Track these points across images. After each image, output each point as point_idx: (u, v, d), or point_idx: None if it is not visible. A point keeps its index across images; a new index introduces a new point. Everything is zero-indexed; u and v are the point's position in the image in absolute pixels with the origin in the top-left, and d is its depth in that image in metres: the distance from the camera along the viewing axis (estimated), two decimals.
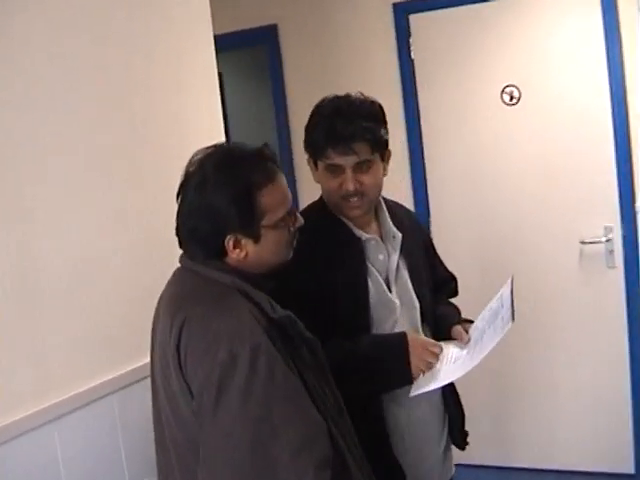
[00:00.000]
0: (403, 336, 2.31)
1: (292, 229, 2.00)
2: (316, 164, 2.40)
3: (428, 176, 4.52)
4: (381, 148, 2.37)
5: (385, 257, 2.46)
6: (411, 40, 4.43)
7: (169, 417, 1.88)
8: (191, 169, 1.92)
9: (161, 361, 1.90)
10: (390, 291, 2.45)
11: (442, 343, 2.38)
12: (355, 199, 2.35)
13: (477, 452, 4.01)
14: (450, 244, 4.40)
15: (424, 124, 4.49)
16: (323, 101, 2.41)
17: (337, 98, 2.39)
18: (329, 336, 2.26)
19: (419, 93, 4.47)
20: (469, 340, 2.38)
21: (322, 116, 2.35)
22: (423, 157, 4.51)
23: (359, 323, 2.38)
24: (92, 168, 2.47)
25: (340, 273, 2.37)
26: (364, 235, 2.43)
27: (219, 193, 1.85)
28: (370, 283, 2.40)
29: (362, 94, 2.41)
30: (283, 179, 1.97)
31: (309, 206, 2.55)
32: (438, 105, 4.44)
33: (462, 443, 2.68)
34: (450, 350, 2.37)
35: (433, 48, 4.40)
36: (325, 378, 2.00)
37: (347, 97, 2.38)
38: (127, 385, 2.52)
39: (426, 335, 2.50)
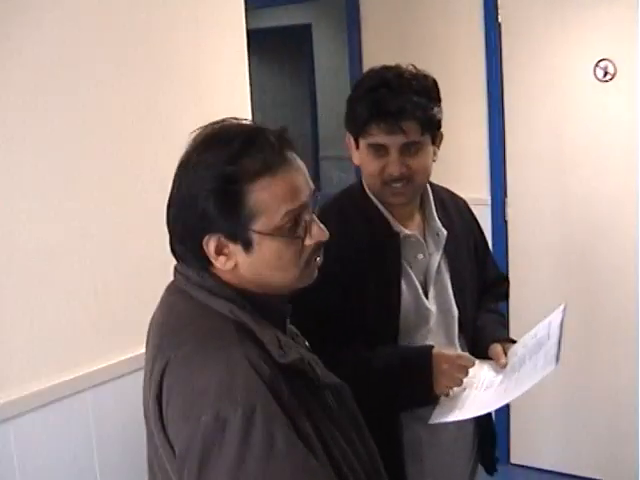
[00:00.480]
0: (428, 349, 2.05)
1: (308, 242, 1.55)
2: (357, 142, 2.15)
3: (508, 156, 4.12)
4: (432, 129, 2.12)
5: (425, 257, 2.20)
6: (499, 2, 4.00)
7: (156, 469, 1.55)
8: (188, 146, 1.57)
9: (144, 403, 1.58)
10: (426, 296, 2.18)
11: (476, 361, 2.08)
12: (399, 185, 2.10)
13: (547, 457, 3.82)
14: (527, 235, 4.07)
15: (507, 97, 4.08)
16: (369, 72, 2.17)
17: (385, 69, 2.13)
18: (349, 342, 2.05)
19: (504, 63, 4.05)
20: (506, 365, 2.10)
21: (367, 88, 2.10)
22: (504, 135, 4.10)
23: (386, 330, 2.13)
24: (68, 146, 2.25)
25: (371, 271, 2.11)
26: (403, 231, 2.16)
27: (199, 177, 1.48)
28: (404, 286, 2.15)
29: (415, 67, 2.15)
30: (294, 173, 1.53)
31: (346, 190, 2.30)
32: (523, 78, 4.02)
33: (492, 467, 2.42)
34: (484, 372, 2.11)
35: (523, 13, 3.96)
36: (357, 429, 1.65)
37: (397, 68, 2.13)
38: (99, 384, 2.29)
39: (462, 349, 2.23)
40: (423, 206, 2.25)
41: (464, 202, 2.48)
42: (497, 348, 2.16)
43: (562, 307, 2.08)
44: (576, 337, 3.75)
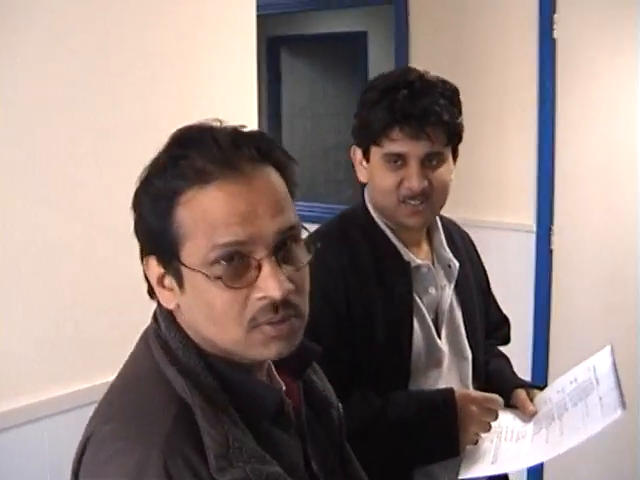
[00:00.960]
0: (450, 393, 1.83)
1: (256, 295, 1.15)
2: (367, 155, 1.92)
3: (557, 181, 3.84)
4: (455, 140, 1.90)
5: (437, 291, 1.96)
6: (555, 17, 3.73)
7: None
8: None
9: None
10: (439, 336, 1.96)
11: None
12: (418, 202, 1.85)
13: None
14: (573, 266, 3.81)
15: (559, 118, 3.79)
16: (381, 75, 1.93)
17: (403, 72, 1.92)
18: (354, 387, 1.82)
19: (558, 79, 3.78)
20: (535, 413, 1.89)
21: (383, 89, 1.86)
22: (553, 158, 3.82)
23: (395, 373, 1.91)
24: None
25: (380, 306, 1.88)
26: (415, 260, 1.93)
27: (145, 183, 1.20)
28: (416, 324, 1.91)
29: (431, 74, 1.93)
30: (245, 187, 1.15)
31: (347, 212, 2.06)
32: (578, 97, 3.75)
33: None
34: (509, 421, 1.90)
35: (580, 28, 3.69)
36: None
37: (417, 71, 1.91)
38: (59, 412, 2.10)
39: None
40: (430, 234, 2.01)
41: (468, 235, 2.24)
42: (522, 394, 1.96)
43: (609, 349, 1.88)
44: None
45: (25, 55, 2.04)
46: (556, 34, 3.75)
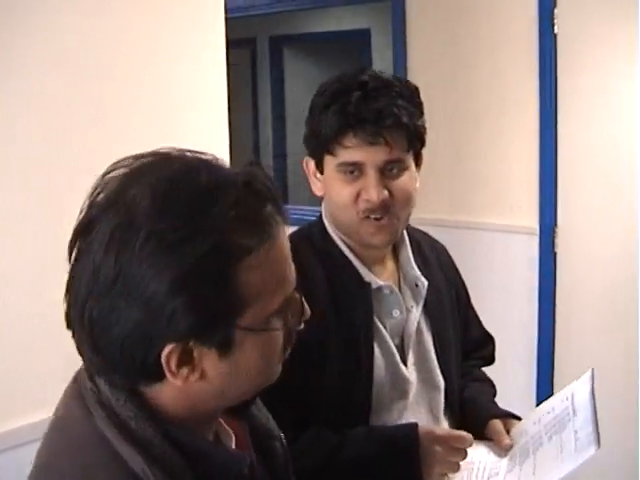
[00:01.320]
0: (412, 429, 1.67)
1: (294, 327, 1.13)
2: (321, 165, 1.73)
3: (560, 181, 3.71)
4: (417, 144, 1.70)
5: (402, 314, 1.80)
6: (556, 12, 3.60)
7: None
8: (100, 198, 1.02)
9: None
10: (405, 363, 1.79)
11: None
12: (379, 216, 1.68)
13: None
14: (578, 269, 3.66)
15: (561, 116, 3.67)
16: (335, 77, 1.72)
17: (356, 72, 1.71)
18: (309, 423, 1.67)
19: (559, 76, 3.65)
20: (510, 447, 1.72)
21: (334, 92, 1.66)
22: (556, 157, 3.69)
23: (355, 407, 1.74)
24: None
25: (334, 333, 1.71)
26: (376, 281, 1.76)
27: (157, 260, 0.97)
28: (377, 350, 1.75)
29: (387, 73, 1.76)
30: (283, 236, 1.08)
31: (303, 228, 1.87)
32: (580, 94, 3.61)
33: None
34: (482, 456, 1.73)
35: (582, 23, 3.56)
36: None
37: (370, 70, 1.72)
38: None
39: (449, 427, 1.86)
40: (397, 251, 1.84)
41: (443, 247, 2.05)
42: (497, 426, 1.78)
43: (589, 374, 1.71)
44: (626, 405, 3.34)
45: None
46: (557, 29, 3.62)
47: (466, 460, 1.67)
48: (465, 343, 2.01)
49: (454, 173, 3.87)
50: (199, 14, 2.45)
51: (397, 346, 1.80)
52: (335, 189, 1.70)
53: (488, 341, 2.11)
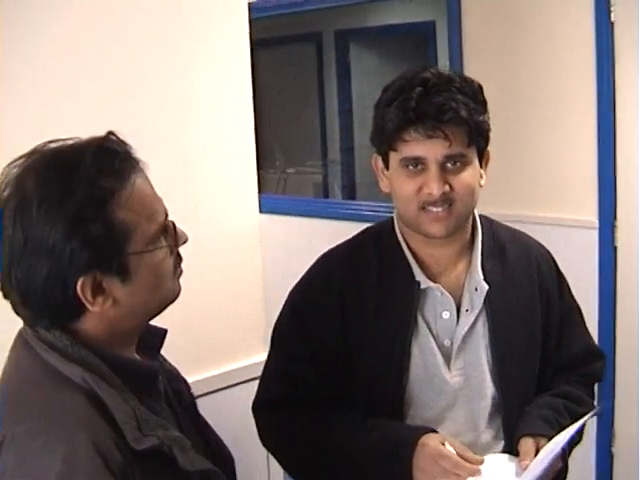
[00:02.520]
0: (414, 439, 1.68)
1: (175, 248, 1.42)
2: (387, 162, 1.78)
3: (619, 174, 3.62)
4: (480, 140, 1.73)
5: (452, 316, 1.79)
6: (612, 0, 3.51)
7: None
8: (5, 192, 1.31)
9: None
10: (448, 366, 1.79)
11: (494, 456, 1.74)
12: (440, 209, 1.70)
13: None
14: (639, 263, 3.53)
15: (619, 106, 3.58)
16: (400, 75, 1.77)
17: (420, 69, 1.74)
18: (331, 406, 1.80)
19: (616, 65, 3.55)
20: (526, 468, 1.68)
21: (397, 89, 1.71)
22: (615, 149, 3.61)
23: (385, 401, 1.79)
24: None
25: (373, 326, 1.78)
26: (425, 281, 1.78)
27: (50, 217, 1.26)
28: (416, 348, 1.78)
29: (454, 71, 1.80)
30: (145, 179, 1.38)
31: (370, 228, 1.95)
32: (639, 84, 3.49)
33: None
34: (497, 470, 1.70)
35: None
36: None
37: (434, 68, 1.76)
38: None
39: (495, 440, 1.83)
40: (471, 251, 1.85)
41: (546, 255, 1.99)
42: (525, 445, 1.75)
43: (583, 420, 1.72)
44: None
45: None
46: (614, 17, 3.52)
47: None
48: (562, 358, 1.95)
49: (512, 167, 3.80)
50: (223, 15, 2.45)
51: (445, 347, 1.80)
52: (398, 183, 1.75)
53: (593, 358, 2.04)
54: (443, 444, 1.67)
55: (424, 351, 1.79)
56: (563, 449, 1.72)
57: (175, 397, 1.55)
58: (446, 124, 1.65)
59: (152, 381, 1.45)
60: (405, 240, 1.84)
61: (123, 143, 1.38)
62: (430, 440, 1.68)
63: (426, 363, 1.79)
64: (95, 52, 2.16)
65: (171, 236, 1.40)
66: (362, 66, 6.60)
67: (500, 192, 3.77)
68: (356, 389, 1.81)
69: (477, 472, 1.64)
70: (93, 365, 1.31)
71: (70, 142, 1.35)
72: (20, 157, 1.33)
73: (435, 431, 1.72)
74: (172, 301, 1.44)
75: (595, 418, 3.54)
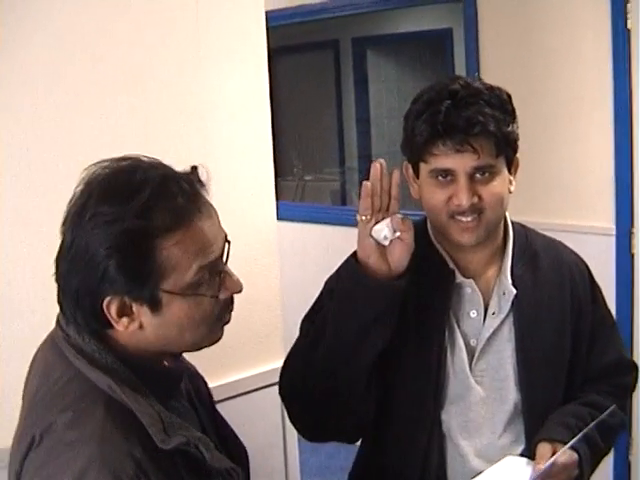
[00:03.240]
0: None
1: (221, 296, 1.41)
2: (417, 171, 1.80)
3: (636, 180, 3.61)
4: (508, 150, 1.75)
5: (479, 316, 1.82)
6: (628, 6, 3.51)
7: None
8: (77, 189, 1.37)
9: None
10: (470, 367, 1.81)
11: (512, 459, 1.77)
12: (470, 218, 1.72)
13: None
14: None
15: (636, 113, 3.56)
16: (429, 85, 1.79)
17: (449, 81, 1.76)
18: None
19: (633, 72, 3.55)
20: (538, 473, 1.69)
21: (426, 101, 1.73)
22: (632, 155, 3.60)
23: (428, 397, 1.82)
24: None
25: (412, 324, 1.80)
26: (459, 276, 1.81)
27: (98, 232, 1.30)
28: (448, 344, 1.81)
29: (482, 81, 1.80)
30: (207, 222, 1.38)
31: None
32: None
33: None
34: (513, 472, 1.73)
35: None
36: None
37: (463, 79, 1.77)
38: None
39: (513, 445, 1.84)
40: (503, 255, 1.87)
41: (580, 263, 2.01)
42: (542, 449, 1.76)
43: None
44: None
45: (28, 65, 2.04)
46: (630, 24, 3.52)
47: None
48: (593, 368, 1.95)
49: (528, 174, 3.74)
50: (240, 22, 2.47)
51: (471, 347, 1.83)
52: (429, 193, 1.77)
53: (625, 370, 2.04)
54: None
55: (453, 347, 1.81)
56: (578, 454, 1.73)
57: (196, 396, 1.61)
58: (474, 137, 1.67)
59: (177, 385, 1.50)
60: (438, 241, 1.87)
61: (197, 182, 1.40)
62: None
63: (455, 359, 1.81)
64: (111, 60, 2.18)
65: (216, 284, 1.40)
66: (379, 73, 6.62)
67: (516, 199, 3.70)
68: (393, 383, 1.83)
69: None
70: (118, 372, 1.36)
71: (148, 164, 1.39)
72: (109, 160, 1.39)
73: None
74: (207, 346, 1.46)
75: None
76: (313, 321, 1.84)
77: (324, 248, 4.43)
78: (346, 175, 6.76)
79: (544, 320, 1.86)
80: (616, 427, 1.96)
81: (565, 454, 1.73)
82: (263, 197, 2.57)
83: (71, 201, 1.37)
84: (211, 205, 1.42)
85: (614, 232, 3.67)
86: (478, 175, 1.72)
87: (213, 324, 1.43)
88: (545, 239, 1.98)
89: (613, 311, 3.52)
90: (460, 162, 1.69)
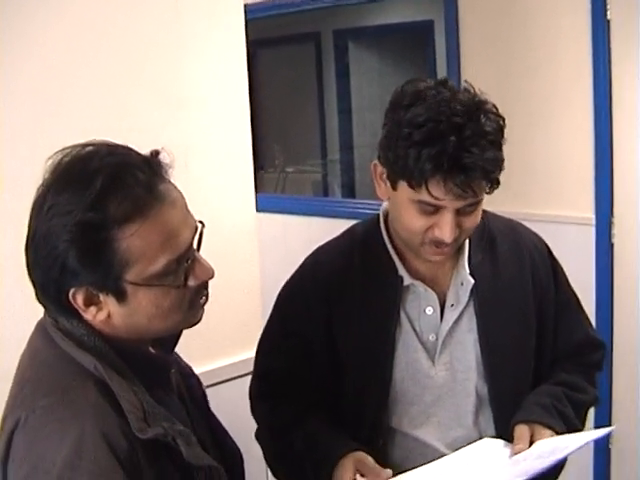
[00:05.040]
0: (337, 456, 1.69)
1: (192, 284, 1.38)
2: (395, 185, 1.69)
3: (615, 170, 3.62)
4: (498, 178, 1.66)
5: (436, 312, 1.80)
6: None
7: None
8: (45, 176, 1.34)
9: None
10: (433, 361, 1.80)
11: (489, 441, 1.76)
12: (448, 248, 1.70)
13: None
14: (636, 260, 3.56)
15: (616, 103, 3.58)
16: (426, 103, 1.62)
17: (448, 101, 1.62)
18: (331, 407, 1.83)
19: (613, 63, 3.56)
20: (519, 452, 1.68)
21: (430, 134, 1.59)
22: (612, 145, 3.61)
23: (369, 399, 1.80)
24: None
25: (357, 322, 1.80)
26: (407, 278, 1.78)
27: (55, 225, 1.28)
28: (400, 346, 1.79)
29: (472, 87, 1.68)
30: (170, 210, 1.33)
31: (355, 227, 1.95)
32: (636, 80, 3.49)
33: None
34: (489, 455, 1.71)
35: (636, 8, 3.43)
36: None
37: (462, 103, 1.62)
38: None
39: (482, 435, 1.82)
40: (460, 246, 1.81)
41: (539, 244, 1.97)
42: (519, 431, 1.73)
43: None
44: None
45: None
46: (610, 15, 3.52)
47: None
48: (561, 347, 1.94)
49: (508, 164, 3.75)
50: (219, 14, 2.47)
51: (431, 342, 1.81)
52: (407, 216, 1.69)
53: (593, 347, 2.03)
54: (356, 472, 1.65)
55: (407, 348, 1.80)
56: (556, 432, 1.74)
57: (187, 393, 1.59)
58: (475, 181, 1.60)
59: (164, 374, 1.48)
60: (390, 238, 1.84)
61: (158, 168, 1.36)
62: (344, 464, 1.67)
63: (408, 359, 1.80)
64: (90, 49, 2.18)
65: (185, 272, 1.37)
66: (361, 65, 6.60)
67: (499, 190, 3.79)
68: (343, 386, 1.83)
69: None
70: (106, 355, 1.35)
71: (107, 150, 1.34)
72: (72, 146, 1.35)
73: (360, 449, 1.71)
74: (185, 328, 1.46)
75: (592, 415, 3.56)
76: (265, 372, 1.91)
77: (306, 239, 4.44)
78: (328, 167, 6.75)
79: (506, 306, 1.84)
80: (589, 403, 1.96)
81: (544, 435, 1.72)
82: (242, 188, 2.57)
83: (38, 189, 1.34)
84: (175, 191, 1.37)
85: (594, 222, 3.68)
86: (463, 209, 1.66)
87: (186, 311, 1.40)
88: (503, 222, 1.95)
89: (593, 300, 3.61)
90: (453, 202, 1.62)
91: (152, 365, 1.45)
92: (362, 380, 1.80)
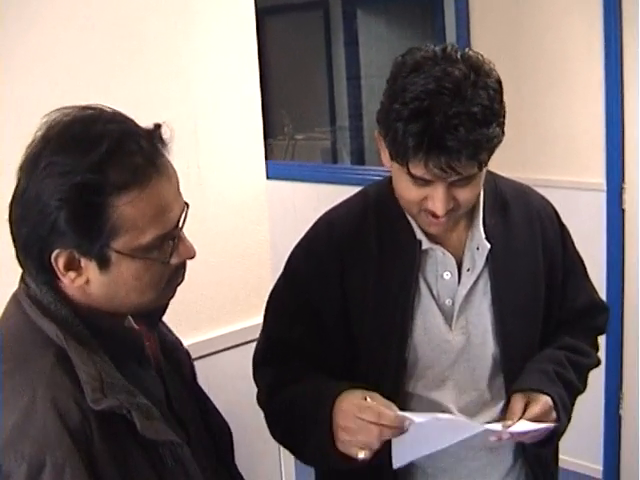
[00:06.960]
0: (332, 397, 1.65)
1: (172, 262, 1.38)
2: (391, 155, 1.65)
3: (627, 136, 3.60)
4: (491, 153, 1.61)
5: (453, 276, 1.77)
6: None
7: None
8: (38, 134, 1.32)
9: None
10: (450, 325, 1.78)
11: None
12: (443, 219, 1.65)
13: None
14: None
15: (627, 67, 3.55)
16: (421, 66, 1.57)
17: (442, 80, 1.54)
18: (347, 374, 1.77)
19: (624, 26, 3.52)
20: (509, 426, 1.67)
21: (417, 111, 1.53)
22: (622, 112, 3.59)
23: (387, 364, 1.77)
24: None
25: (375, 286, 1.76)
26: (426, 242, 1.75)
27: (52, 182, 1.26)
28: (418, 312, 1.76)
29: (475, 55, 1.61)
30: (166, 185, 1.34)
31: (368, 190, 1.90)
32: None
33: None
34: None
35: None
36: None
37: (453, 79, 1.54)
38: None
39: (496, 398, 1.82)
40: (473, 209, 1.78)
41: (549, 208, 1.94)
42: (514, 402, 1.73)
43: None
44: None
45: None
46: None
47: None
48: (566, 311, 1.93)
49: (519, 130, 3.79)
50: None
51: (447, 307, 1.79)
52: (402, 185, 1.67)
53: (597, 311, 2.02)
54: (365, 399, 1.62)
55: (425, 313, 1.77)
56: (552, 398, 1.75)
57: (173, 367, 1.58)
58: (461, 162, 1.54)
59: (137, 348, 1.45)
60: None
61: (159, 141, 1.35)
62: (348, 395, 1.65)
63: (427, 325, 1.78)
64: (98, 25, 2.16)
65: (169, 249, 1.37)
66: (369, 33, 6.57)
67: (506, 155, 3.68)
68: (358, 354, 1.80)
69: (402, 422, 1.57)
70: (71, 324, 1.34)
71: (110, 116, 1.34)
72: (72, 107, 1.33)
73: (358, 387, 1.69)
74: (155, 307, 1.45)
75: (603, 381, 3.57)
76: (275, 338, 1.86)
77: (315, 206, 4.43)
78: (337, 134, 6.74)
79: (518, 271, 1.82)
80: (591, 366, 1.96)
81: (538, 403, 1.72)
82: (252, 155, 2.56)
83: (30, 145, 1.32)
84: (172, 167, 1.37)
85: (605, 187, 3.67)
86: (456, 182, 1.60)
87: (162, 289, 1.40)
88: (514, 185, 1.92)
89: (603, 266, 3.61)
90: (441, 177, 1.58)
91: (123, 338, 1.43)
92: (378, 345, 1.78)
